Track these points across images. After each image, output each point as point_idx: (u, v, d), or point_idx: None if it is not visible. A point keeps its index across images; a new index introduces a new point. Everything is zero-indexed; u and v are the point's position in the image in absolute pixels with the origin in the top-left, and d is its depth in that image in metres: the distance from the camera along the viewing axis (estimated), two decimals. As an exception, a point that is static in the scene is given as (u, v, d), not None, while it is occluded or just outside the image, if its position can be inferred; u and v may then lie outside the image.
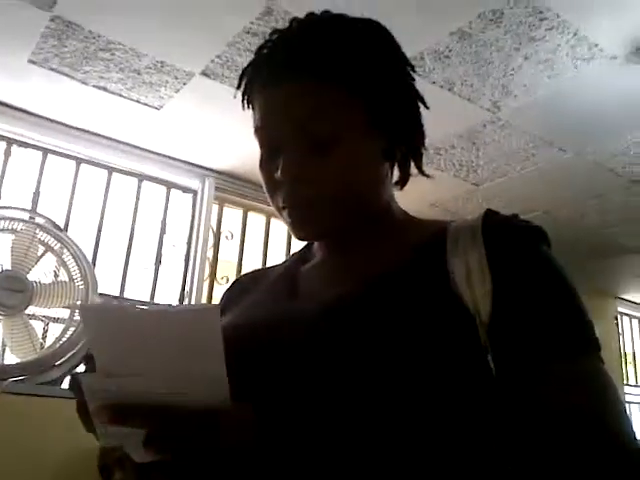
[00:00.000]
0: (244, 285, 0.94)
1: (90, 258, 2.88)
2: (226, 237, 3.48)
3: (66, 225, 2.95)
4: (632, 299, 5.48)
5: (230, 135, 2.95)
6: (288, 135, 0.75)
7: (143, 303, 3.16)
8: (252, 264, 3.68)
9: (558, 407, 0.61)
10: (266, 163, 0.79)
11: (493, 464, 0.62)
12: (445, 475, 0.61)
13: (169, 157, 3.23)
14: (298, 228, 0.78)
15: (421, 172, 0.84)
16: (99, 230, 3.07)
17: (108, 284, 3.07)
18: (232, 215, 3.53)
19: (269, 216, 3.61)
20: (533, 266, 0.68)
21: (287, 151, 0.75)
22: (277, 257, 3.61)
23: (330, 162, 0.74)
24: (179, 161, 3.26)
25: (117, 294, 3.08)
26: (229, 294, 0.95)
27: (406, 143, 0.81)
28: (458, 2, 2.02)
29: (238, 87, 0.82)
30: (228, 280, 3.39)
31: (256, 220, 3.58)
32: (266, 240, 3.60)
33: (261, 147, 0.79)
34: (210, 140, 3.04)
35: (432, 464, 0.61)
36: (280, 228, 3.63)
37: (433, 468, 0.61)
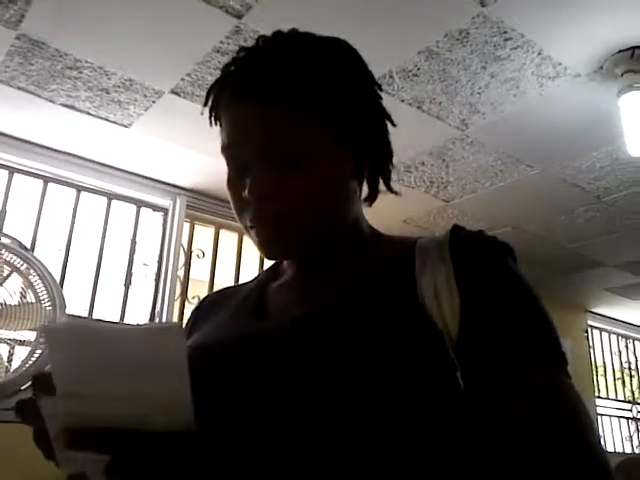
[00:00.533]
0: (212, 304, 0.92)
1: (58, 278, 2.83)
2: (197, 256, 3.45)
3: (33, 245, 2.90)
4: (602, 312, 5.56)
5: (201, 153, 2.94)
6: (254, 154, 0.74)
7: (111, 323, 3.12)
8: (224, 283, 3.67)
9: (527, 422, 0.61)
10: (233, 181, 0.78)
11: (465, 474, 0.62)
12: None
13: (139, 175, 3.20)
14: (266, 247, 0.77)
15: (389, 189, 0.84)
16: (67, 250, 3.03)
17: (77, 305, 3.02)
18: (203, 233, 3.51)
19: (241, 234, 3.59)
20: (500, 282, 0.68)
21: (254, 169, 0.74)
22: (249, 275, 3.58)
23: (297, 180, 0.73)
24: (149, 179, 3.24)
25: (86, 314, 3.03)
26: (197, 313, 0.94)
27: (373, 161, 0.81)
28: (425, 21, 2.05)
29: (205, 104, 0.82)
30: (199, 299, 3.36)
31: (228, 238, 3.56)
32: (238, 258, 3.58)
33: (228, 165, 0.79)
34: (180, 158, 3.03)
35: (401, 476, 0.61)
36: (252, 246, 3.61)
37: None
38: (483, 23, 2.03)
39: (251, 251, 3.56)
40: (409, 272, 0.71)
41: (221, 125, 0.80)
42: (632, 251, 3.90)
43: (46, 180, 3.03)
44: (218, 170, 3.15)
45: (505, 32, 2.07)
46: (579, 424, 0.62)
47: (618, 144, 2.68)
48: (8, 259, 2.68)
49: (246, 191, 0.73)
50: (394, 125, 0.83)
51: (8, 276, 2.69)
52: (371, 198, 0.84)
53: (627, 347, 5.98)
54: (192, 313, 0.95)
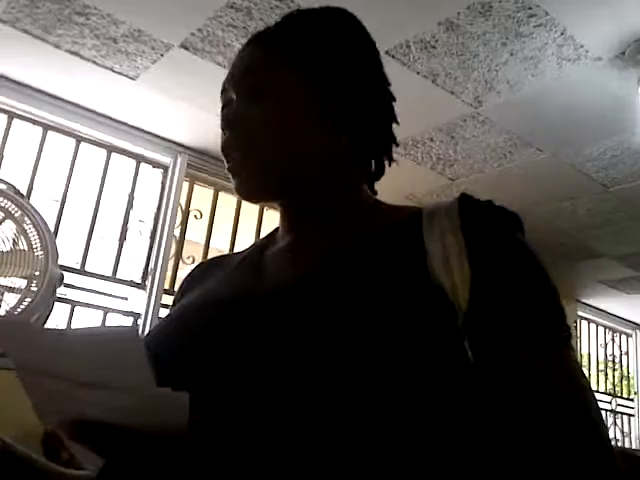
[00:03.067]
0: (205, 270, 0.91)
1: (52, 228, 2.78)
2: (195, 216, 3.40)
3: (29, 192, 2.85)
4: (592, 304, 5.57)
5: (205, 111, 2.87)
6: (232, 91, 0.79)
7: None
8: (220, 246, 3.63)
9: (538, 395, 0.60)
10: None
11: (474, 452, 0.60)
12: (423, 466, 0.58)
13: (141, 130, 3.14)
14: (234, 182, 0.78)
15: (388, 159, 0.84)
16: (63, 200, 2.97)
17: (69, 256, 2.98)
18: (202, 194, 3.45)
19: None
20: (511, 254, 0.67)
21: (228, 103, 0.80)
22: (246, 238, 3.56)
23: (256, 110, 0.76)
24: (151, 134, 3.17)
25: (78, 267, 2.99)
26: (189, 279, 0.92)
27: (356, 123, 0.79)
28: (449, -9, 1.98)
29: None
30: (194, 261, 3.32)
31: (227, 201, 3.51)
32: (236, 222, 3.53)
33: (221, 111, 0.82)
34: (185, 115, 2.96)
35: (408, 455, 0.58)
36: (250, 210, 3.57)
37: (409, 459, 0.58)
38: (508, -3, 1.97)
39: (249, 216, 3.53)
40: (416, 238, 0.69)
41: None
42: (632, 244, 3.88)
43: (46, 127, 2.96)
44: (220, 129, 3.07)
45: (530, 8, 2.01)
46: (589, 408, 0.61)
47: (631, 133, 2.64)
48: (2, 205, 2.63)
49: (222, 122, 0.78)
50: (393, 99, 0.83)
51: (1, 222, 2.64)
52: (376, 172, 0.83)
53: (613, 340, 6.00)
54: (184, 279, 0.93)
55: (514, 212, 0.72)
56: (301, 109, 0.77)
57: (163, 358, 0.62)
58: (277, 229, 0.87)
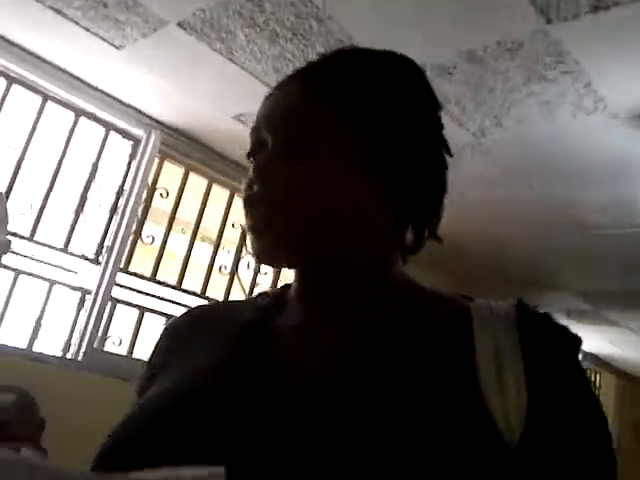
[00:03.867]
0: (194, 326, 0.76)
1: (4, 190, 2.55)
2: (160, 194, 3.20)
3: (-17, 151, 2.58)
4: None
5: (189, 94, 2.67)
6: (266, 136, 0.67)
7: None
8: (183, 225, 3.44)
9: None
10: (250, 172, 0.69)
11: None
12: None
13: (115, 98, 2.89)
14: (253, 241, 0.66)
15: (433, 235, 0.71)
16: (20, 160, 2.72)
17: (20, 222, 2.75)
18: (170, 173, 3.24)
19: (211, 181, 3.36)
20: (574, 389, 0.60)
21: (260, 152, 0.68)
22: (212, 224, 3.39)
23: (302, 171, 0.64)
24: (125, 105, 2.93)
25: (28, 235, 2.75)
26: (173, 333, 0.77)
27: (406, 191, 0.68)
28: (481, 25, 1.85)
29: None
30: (154, 240, 3.13)
31: (196, 182, 3.32)
32: (203, 204, 3.35)
33: (248, 153, 0.71)
34: (165, 93, 2.74)
35: None
36: (220, 195, 3.39)
37: None
38: (541, 39, 1.85)
39: (217, 200, 3.35)
40: (465, 345, 0.60)
41: None
42: (593, 281, 3.93)
43: (11, 80, 2.68)
44: (201, 112, 2.90)
45: (560, 54, 1.90)
46: None
47: (625, 185, 2.60)
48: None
49: (250, 174, 0.67)
50: (451, 155, 0.71)
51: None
52: (415, 245, 0.70)
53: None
54: (166, 331, 0.78)
55: (576, 334, 0.64)
56: (350, 172, 0.66)
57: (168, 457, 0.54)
58: (286, 287, 0.75)
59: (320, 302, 0.69)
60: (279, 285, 0.81)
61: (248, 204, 0.67)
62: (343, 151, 0.65)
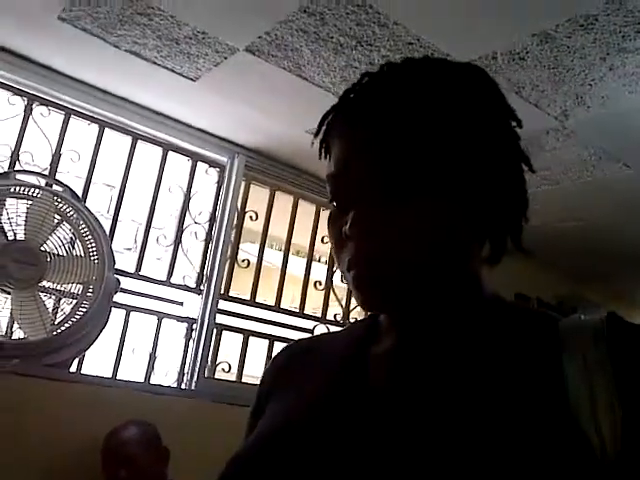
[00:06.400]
0: (295, 361, 0.81)
1: (107, 231, 2.70)
2: (250, 217, 3.28)
3: (84, 195, 2.76)
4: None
5: (266, 114, 2.74)
6: (357, 186, 0.64)
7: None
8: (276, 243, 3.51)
9: None
10: (335, 218, 0.68)
11: None
12: None
13: (198, 129, 3.01)
14: (362, 293, 0.65)
15: (519, 248, 0.69)
16: (119, 202, 2.88)
17: (123, 260, 2.90)
18: (257, 196, 3.32)
19: (297, 197, 3.41)
20: None
21: (358, 201, 0.64)
22: (301, 239, 3.44)
23: (407, 214, 0.62)
24: (208, 134, 3.05)
25: (133, 271, 2.89)
26: (276, 370, 0.83)
27: (499, 213, 0.68)
28: (549, 3, 1.78)
29: (317, 134, 0.73)
30: (249, 264, 3.21)
31: (283, 201, 3.38)
32: (292, 222, 3.40)
33: (331, 199, 0.69)
34: (244, 117, 2.83)
35: None
36: (307, 209, 3.43)
37: None
38: (617, 10, 1.76)
39: (305, 215, 3.40)
40: (553, 364, 0.60)
41: (329, 155, 0.71)
42: None
43: (102, 125, 2.86)
44: (277, 131, 2.95)
45: (639, 23, 1.80)
46: None
47: None
48: (60, 207, 2.56)
49: (347, 227, 0.64)
50: (533, 171, 0.69)
51: (58, 225, 2.57)
52: (494, 257, 0.69)
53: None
54: (270, 369, 0.84)
55: None
56: (453, 209, 0.65)
57: None
58: (377, 316, 0.76)
59: (415, 329, 0.69)
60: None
61: (353, 263, 0.64)
62: (443, 192, 0.64)
